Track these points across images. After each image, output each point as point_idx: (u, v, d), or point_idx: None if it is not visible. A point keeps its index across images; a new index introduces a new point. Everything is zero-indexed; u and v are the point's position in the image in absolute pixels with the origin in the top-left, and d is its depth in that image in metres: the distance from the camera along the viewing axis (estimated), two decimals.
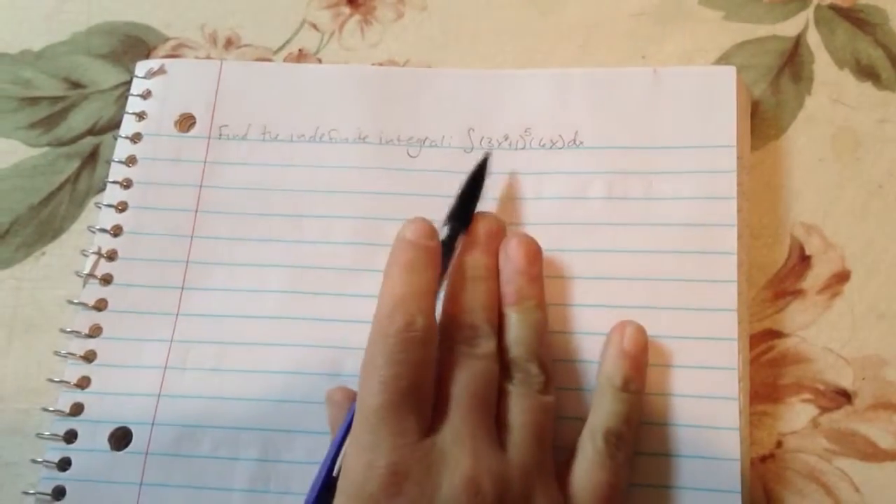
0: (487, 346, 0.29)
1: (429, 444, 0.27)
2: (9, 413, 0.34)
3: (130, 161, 0.37)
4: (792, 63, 0.38)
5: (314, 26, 0.41)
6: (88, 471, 0.32)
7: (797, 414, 0.32)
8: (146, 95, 0.38)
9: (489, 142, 0.36)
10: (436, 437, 0.27)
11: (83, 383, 0.34)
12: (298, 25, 0.41)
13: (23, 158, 0.39)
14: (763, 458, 0.32)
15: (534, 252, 0.31)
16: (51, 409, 0.33)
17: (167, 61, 0.39)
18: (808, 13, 0.39)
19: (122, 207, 0.36)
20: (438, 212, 0.32)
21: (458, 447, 0.27)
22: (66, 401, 0.33)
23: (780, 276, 0.34)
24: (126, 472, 0.32)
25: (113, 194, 0.37)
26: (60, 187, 0.38)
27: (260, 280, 0.35)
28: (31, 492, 0.32)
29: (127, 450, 0.33)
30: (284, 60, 0.40)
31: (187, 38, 0.41)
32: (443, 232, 0.31)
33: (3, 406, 0.35)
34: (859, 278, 0.34)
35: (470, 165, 0.33)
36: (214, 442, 0.32)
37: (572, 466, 0.29)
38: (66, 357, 0.34)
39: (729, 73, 0.35)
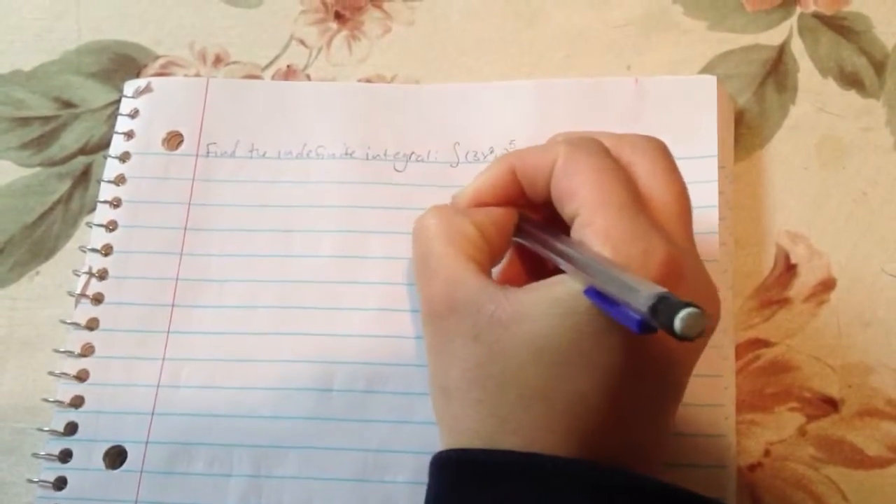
0: None
1: None
2: (4, 432, 0.34)
3: (119, 180, 0.37)
4: (776, 72, 0.38)
5: (302, 42, 0.41)
6: (84, 490, 0.33)
7: (785, 422, 0.32)
8: (134, 114, 0.38)
9: (475, 155, 0.36)
10: None
11: (77, 402, 0.34)
12: (286, 42, 0.41)
13: (15, 178, 0.39)
14: (751, 467, 0.32)
15: None
16: (45, 428, 0.33)
17: (154, 79, 0.39)
18: (792, 22, 0.39)
19: (112, 227, 0.36)
20: None
21: None
22: (60, 420, 0.34)
23: (767, 285, 0.34)
24: (121, 491, 0.32)
25: (103, 214, 0.37)
26: (53, 207, 0.38)
27: (250, 296, 0.35)
28: None
29: (122, 468, 0.33)
30: (273, 77, 0.40)
31: (176, 55, 0.41)
32: None
33: None
34: (845, 286, 0.34)
35: (456, 180, 0.33)
36: (208, 458, 0.33)
37: None
38: (59, 377, 0.34)
39: (710, 82, 0.35)
